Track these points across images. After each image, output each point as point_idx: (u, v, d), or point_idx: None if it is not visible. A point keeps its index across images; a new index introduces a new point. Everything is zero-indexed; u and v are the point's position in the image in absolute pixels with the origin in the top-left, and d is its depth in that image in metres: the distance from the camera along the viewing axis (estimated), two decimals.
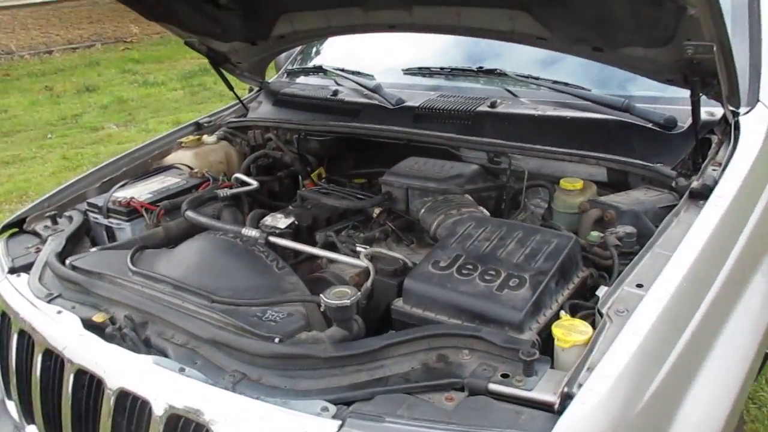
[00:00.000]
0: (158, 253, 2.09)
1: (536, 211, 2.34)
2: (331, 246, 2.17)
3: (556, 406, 1.27)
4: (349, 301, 1.60)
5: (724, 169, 2.09)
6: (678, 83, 2.05)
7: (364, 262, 1.94)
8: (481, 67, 2.69)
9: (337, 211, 2.43)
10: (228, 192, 2.58)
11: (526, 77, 2.50)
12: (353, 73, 3.01)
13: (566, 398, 1.26)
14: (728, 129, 2.26)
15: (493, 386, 1.36)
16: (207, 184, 2.66)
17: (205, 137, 3.10)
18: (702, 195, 1.94)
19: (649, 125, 2.26)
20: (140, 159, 2.89)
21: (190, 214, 2.27)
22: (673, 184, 2.11)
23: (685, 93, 2.09)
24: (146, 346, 1.70)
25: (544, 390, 1.32)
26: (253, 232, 2.08)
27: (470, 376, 1.40)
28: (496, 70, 2.61)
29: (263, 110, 3.24)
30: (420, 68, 2.86)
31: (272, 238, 2.06)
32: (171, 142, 3.04)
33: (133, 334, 1.69)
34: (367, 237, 2.24)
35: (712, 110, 2.31)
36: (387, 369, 1.47)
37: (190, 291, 1.79)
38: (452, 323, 1.63)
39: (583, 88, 2.39)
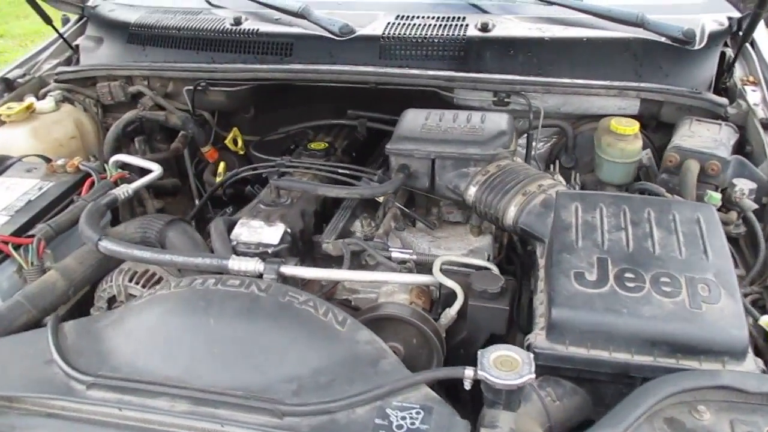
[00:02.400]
0: (98, 331, 1.24)
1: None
2: (355, 256, 1.51)
3: None
4: (526, 377, 1.03)
5: None
6: None
7: (448, 283, 1.35)
8: None
9: (325, 203, 1.73)
10: (130, 190, 1.69)
11: None
12: None
13: None
14: (740, 38, 2.01)
15: None
16: (90, 182, 1.72)
17: (35, 102, 2.04)
18: None
19: (664, 40, 1.92)
20: None
21: (109, 245, 1.40)
22: (724, 113, 1.82)
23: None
24: None
25: None
26: (251, 265, 1.33)
27: None
28: None
29: (109, 52, 2.24)
30: None
31: (285, 269, 1.34)
32: None
33: None
34: (385, 231, 1.62)
35: (717, 18, 2.04)
36: None
37: (227, 403, 1.05)
38: (640, 363, 1.16)
39: None
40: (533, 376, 1.03)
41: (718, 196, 1.50)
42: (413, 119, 1.70)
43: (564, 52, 1.88)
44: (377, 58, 1.92)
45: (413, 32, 1.94)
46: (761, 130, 1.70)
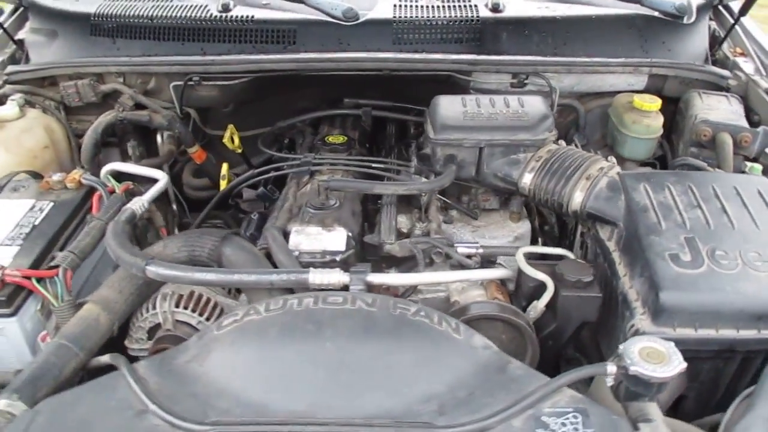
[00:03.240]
0: (182, 369, 1.08)
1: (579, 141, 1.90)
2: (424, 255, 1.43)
3: None
4: (679, 368, 1.02)
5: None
6: None
7: (537, 275, 1.31)
8: None
9: (365, 201, 1.62)
10: (145, 203, 1.51)
11: None
12: None
13: None
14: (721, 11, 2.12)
15: None
16: (98, 197, 1.51)
17: None
18: None
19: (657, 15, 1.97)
20: None
21: (160, 270, 1.23)
22: (726, 85, 1.90)
23: None
24: None
25: None
26: (335, 277, 1.22)
27: None
28: None
29: (68, 46, 1.98)
30: None
31: (372, 277, 1.24)
32: None
33: None
34: (438, 225, 1.55)
35: None
36: None
37: None
38: (746, 338, 1.19)
39: None
40: (685, 365, 1.02)
41: (759, 167, 1.56)
42: (450, 107, 1.63)
43: (576, 31, 1.88)
44: (391, 44, 1.82)
45: (425, 14, 1.85)
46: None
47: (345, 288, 1.23)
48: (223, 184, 1.82)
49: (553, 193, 1.48)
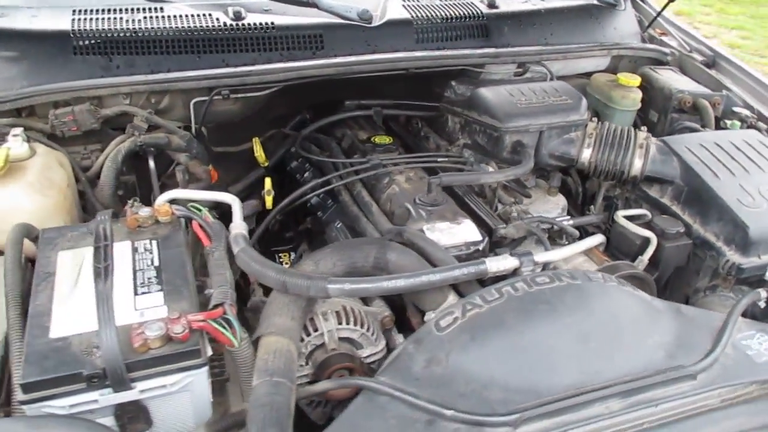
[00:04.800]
0: (433, 373, 1.08)
1: None
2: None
3: None
4: None
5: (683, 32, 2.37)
6: None
7: (643, 233, 1.52)
8: None
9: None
10: (244, 229, 1.42)
11: None
12: None
13: None
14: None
15: None
16: (198, 227, 1.37)
17: (8, 148, 1.49)
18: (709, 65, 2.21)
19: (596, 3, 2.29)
20: None
21: (346, 286, 1.20)
22: (666, 60, 2.28)
23: None
24: None
25: None
26: (509, 262, 1.29)
27: None
28: None
29: (46, 70, 1.71)
30: None
31: (537, 257, 1.33)
32: None
33: None
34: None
35: None
36: None
37: (648, 385, 1.07)
38: None
39: None
40: None
41: (737, 123, 1.93)
42: (499, 97, 1.76)
43: (558, 21, 2.11)
44: (414, 43, 1.88)
45: (435, 14, 1.95)
46: (706, 69, 2.20)
47: (515, 272, 1.32)
48: (268, 200, 1.74)
49: (615, 163, 1.70)
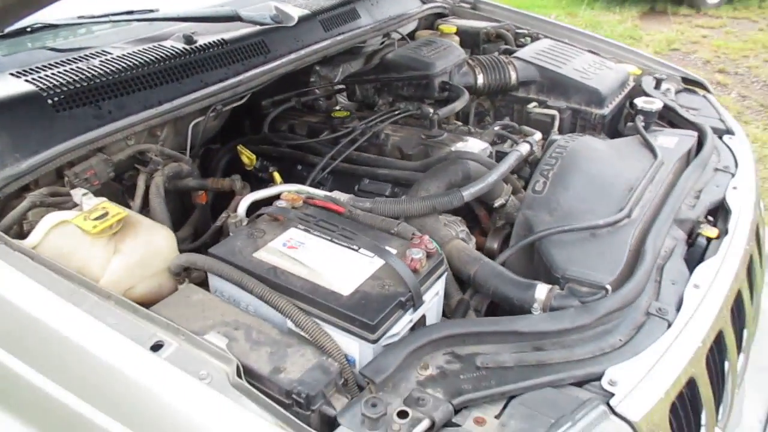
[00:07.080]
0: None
1: None
2: None
3: None
4: None
5: None
6: None
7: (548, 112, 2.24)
8: None
9: None
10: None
11: None
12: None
13: None
14: None
15: None
16: None
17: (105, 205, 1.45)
18: (474, 8, 3.07)
19: None
20: None
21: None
22: (447, 12, 3.05)
23: None
24: None
25: None
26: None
27: None
28: None
29: (34, 135, 1.61)
30: None
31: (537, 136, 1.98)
32: None
33: None
34: None
35: None
36: None
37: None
38: None
39: None
40: None
41: (529, 38, 2.78)
42: (410, 56, 2.26)
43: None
44: (324, 32, 2.23)
45: (321, 5, 2.32)
46: (475, 11, 3.02)
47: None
48: None
49: (500, 80, 2.37)
